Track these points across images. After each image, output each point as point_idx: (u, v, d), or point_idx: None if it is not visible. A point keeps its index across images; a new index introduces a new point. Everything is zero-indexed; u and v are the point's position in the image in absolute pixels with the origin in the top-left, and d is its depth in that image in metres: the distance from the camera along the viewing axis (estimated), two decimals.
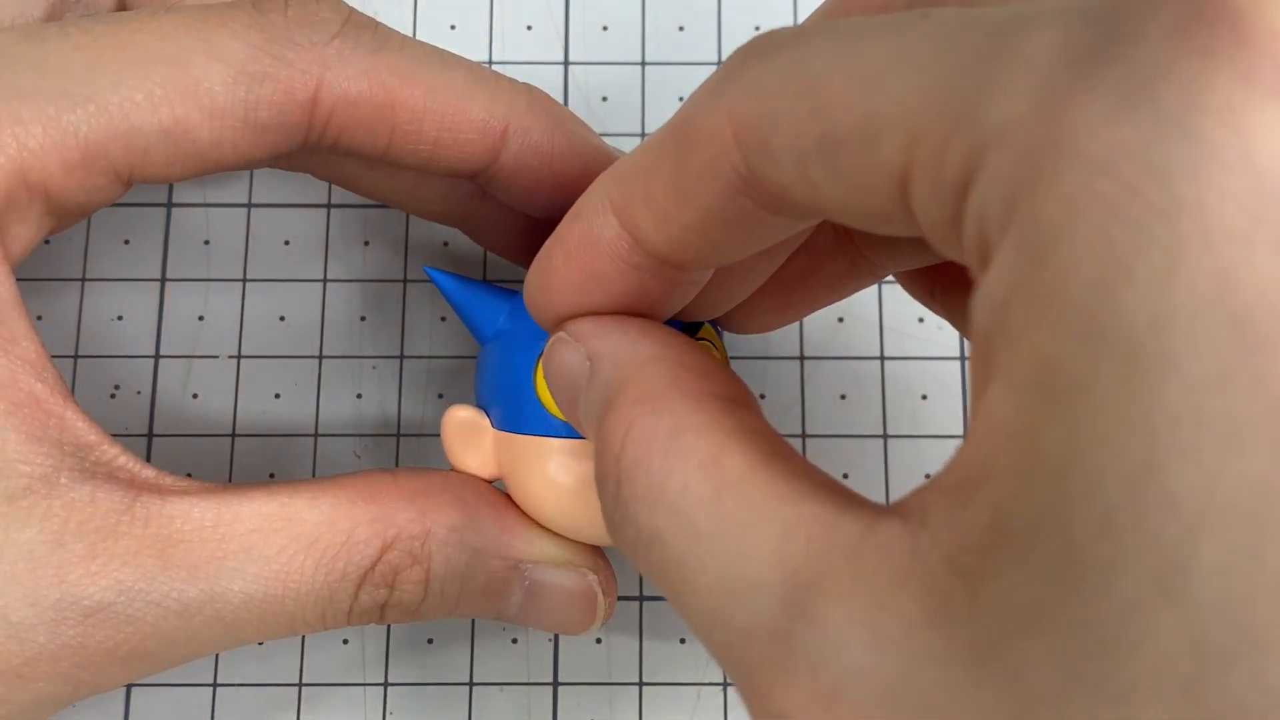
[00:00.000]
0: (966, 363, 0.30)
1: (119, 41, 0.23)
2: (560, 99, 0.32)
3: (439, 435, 0.25)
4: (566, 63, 0.33)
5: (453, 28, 0.33)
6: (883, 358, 0.30)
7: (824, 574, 0.16)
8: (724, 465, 0.18)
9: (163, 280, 0.31)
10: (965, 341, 0.30)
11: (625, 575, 0.29)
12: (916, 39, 0.16)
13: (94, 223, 0.31)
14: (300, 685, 0.28)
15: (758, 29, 0.33)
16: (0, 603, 0.21)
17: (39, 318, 0.31)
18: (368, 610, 0.23)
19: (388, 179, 0.27)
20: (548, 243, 0.21)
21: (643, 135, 0.32)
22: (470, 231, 0.28)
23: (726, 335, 0.31)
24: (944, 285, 0.24)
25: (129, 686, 0.28)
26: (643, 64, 0.33)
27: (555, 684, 0.29)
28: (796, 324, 0.31)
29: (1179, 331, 0.13)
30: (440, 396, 0.28)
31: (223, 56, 0.23)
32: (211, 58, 0.23)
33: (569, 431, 0.23)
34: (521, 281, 0.23)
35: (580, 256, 0.20)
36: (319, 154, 0.27)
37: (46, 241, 0.31)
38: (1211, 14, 0.13)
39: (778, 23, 0.33)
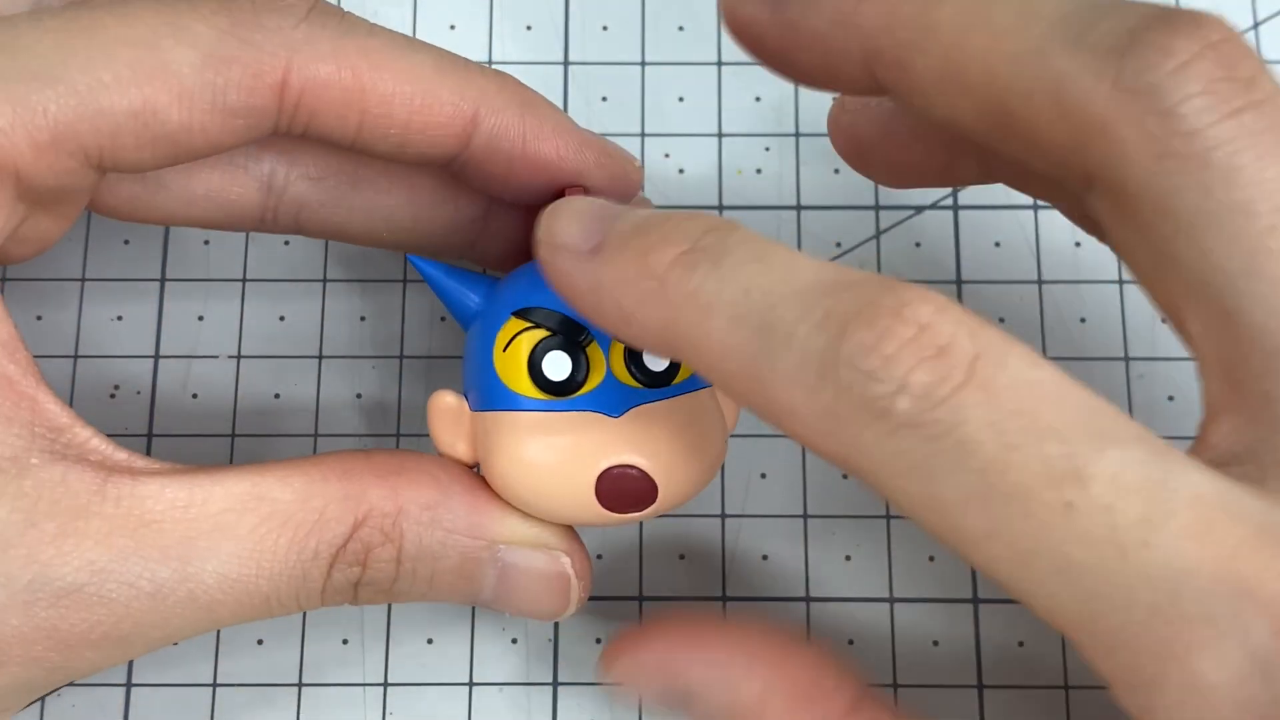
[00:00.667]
0: None
1: (88, 25, 0.23)
2: (560, 99, 0.32)
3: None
4: (566, 63, 0.33)
5: (452, 28, 0.33)
6: None
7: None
8: None
9: (163, 280, 0.31)
10: None
11: (625, 575, 0.29)
12: None
13: (94, 223, 0.31)
14: (300, 685, 0.28)
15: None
16: None
17: (39, 318, 0.31)
18: (341, 589, 0.23)
19: (385, 220, 0.27)
20: None
21: (643, 135, 0.32)
22: (478, 257, 0.28)
23: None
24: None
25: (129, 686, 0.28)
26: (643, 64, 0.33)
27: (555, 684, 0.29)
28: None
29: None
30: (440, 389, 0.28)
31: (190, 40, 0.23)
32: (179, 41, 0.23)
33: (531, 404, 0.23)
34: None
35: None
36: (302, 200, 0.27)
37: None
38: None
39: None
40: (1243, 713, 0.17)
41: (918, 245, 0.31)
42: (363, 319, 0.31)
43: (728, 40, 0.33)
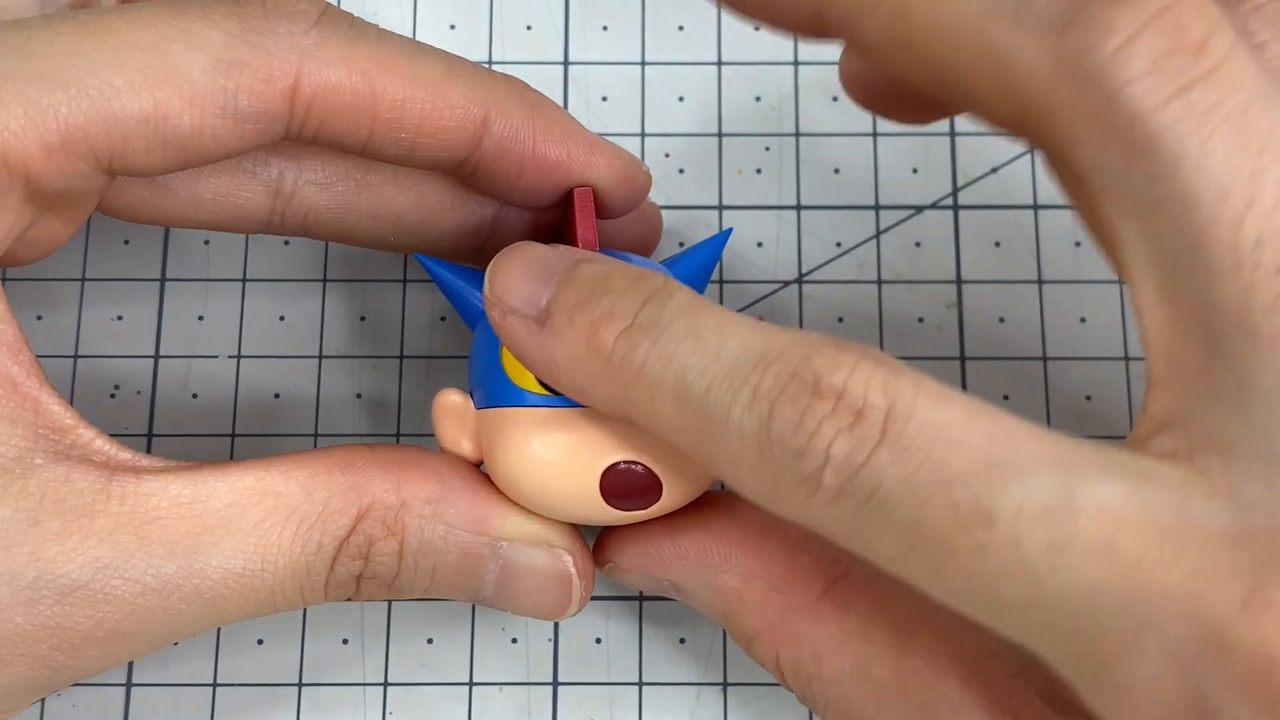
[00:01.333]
0: (966, 362, 0.30)
1: (100, 29, 0.23)
2: (560, 99, 0.32)
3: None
4: (566, 63, 0.33)
5: (453, 28, 0.33)
6: None
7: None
8: (871, 676, 0.23)
9: (163, 280, 0.31)
10: (966, 342, 0.31)
11: None
12: None
13: (94, 223, 0.31)
14: (300, 685, 0.28)
15: (758, 29, 0.33)
16: None
17: (39, 318, 0.31)
18: (344, 583, 0.23)
19: (393, 224, 0.27)
20: None
21: (643, 135, 0.32)
22: (486, 262, 0.28)
23: None
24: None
25: (129, 686, 0.28)
26: (643, 64, 0.33)
27: (555, 684, 0.29)
28: (796, 323, 0.31)
29: None
30: (446, 388, 0.28)
31: (202, 45, 0.23)
32: (190, 46, 0.23)
33: (536, 400, 0.23)
34: None
35: None
36: (311, 204, 0.27)
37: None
38: None
39: None
40: (1169, 710, 0.18)
41: (918, 245, 0.31)
42: (363, 319, 0.31)
43: (728, 40, 0.33)
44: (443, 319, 0.31)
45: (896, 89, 0.26)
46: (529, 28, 0.33)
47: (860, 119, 0.32)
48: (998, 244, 0.31)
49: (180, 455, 0.28)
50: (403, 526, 0.23)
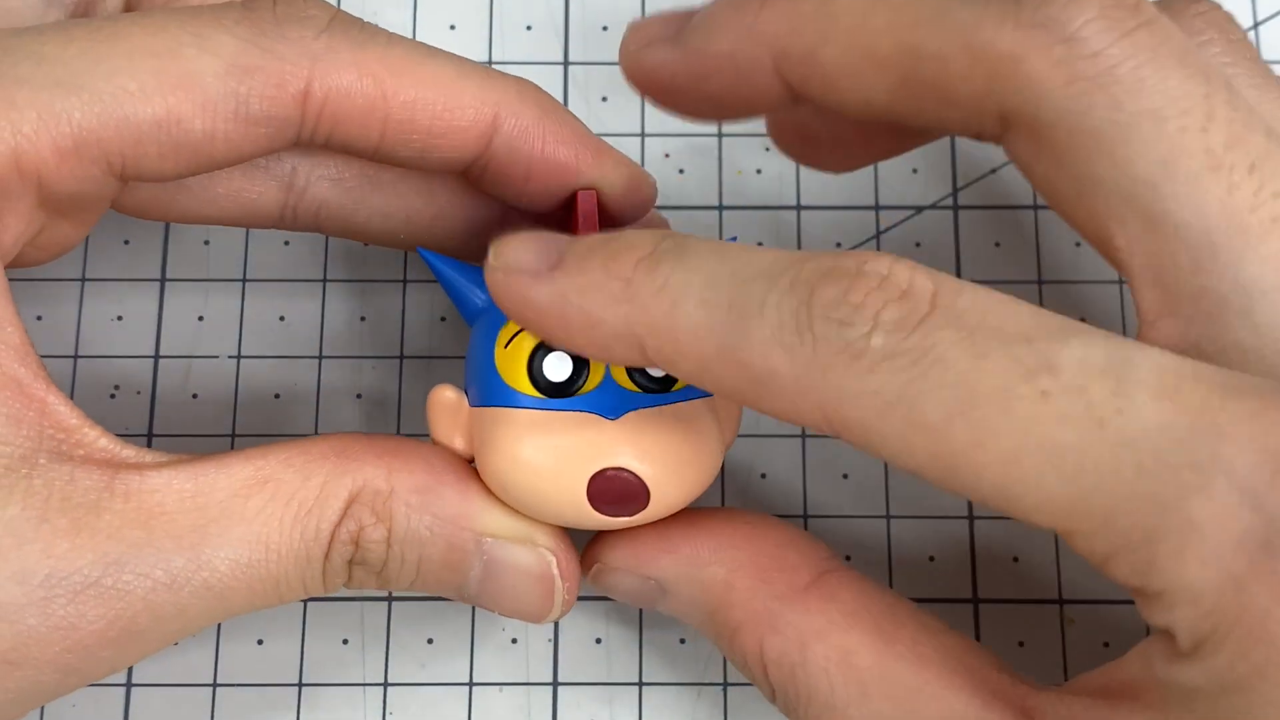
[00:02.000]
0: None
1: (112, 34, 0.23)
2: (560, 99, 0.32)
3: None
4: (566, 63, 0.33)
5: (452, 28, 0.33)
6: None
7: None
8: (855, 665, 0.23)
9: (163, 280, 0.31)
10: None
11: None
12: None
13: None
14: (300, 685, 0.28)
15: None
16: None
17: (39, 318, 0.31)
18: (338, 570, 0.23)
19: (404, 218, 0.27)
20: None
21: (643, 135, 0.32)
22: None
23: None
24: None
25: (129, 686, 0.28)
26: None
27: (555, 684, 0.29)
28: None
29: None
30: (441, 383, 0.28)
31: (214, 50, 0.23)
32: (203, 50, 0.23)
33: (529, 402, 0.23)
34: None
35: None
36: (322, 200, 0.27)
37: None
38: None
39: None
40: (1241, 542, 0.18)
41: (918, 245, 0.31)
42: (363, 319, 0.31)
43: None
44: (443, 319, 0.31)
45: (829, 132, 0.27)
46: (529, 28, 0.33)
47: None
48: (998, 244, 0.31)
49: None
50: (390, 513, 0.23)
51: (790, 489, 0.30)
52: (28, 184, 0.22)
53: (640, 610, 0.29)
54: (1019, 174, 0.32)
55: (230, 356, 0.30)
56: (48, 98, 0.22)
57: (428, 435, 0.25)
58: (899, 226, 0.31)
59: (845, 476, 0.30)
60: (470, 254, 0.28)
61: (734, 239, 0.27)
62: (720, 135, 0.32)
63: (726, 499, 0.30)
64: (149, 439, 0.30)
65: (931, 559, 0.29)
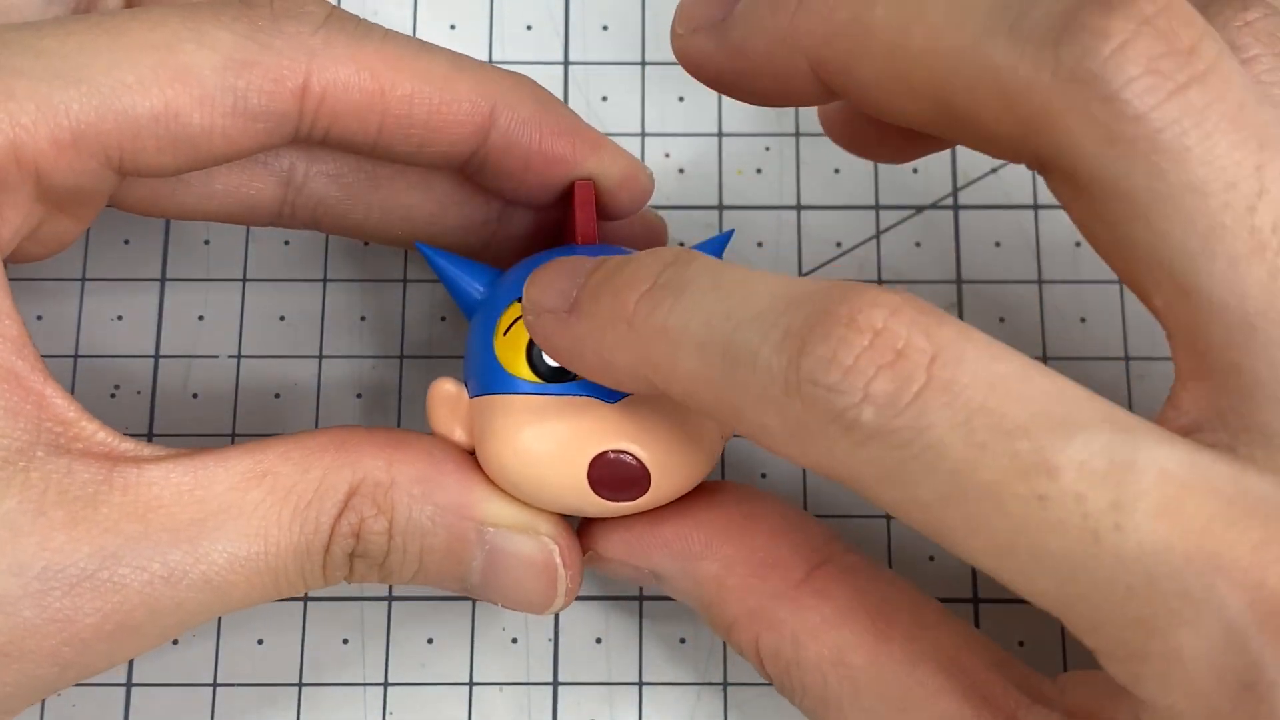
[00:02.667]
0: None
1: (110, 29, 0.23)
2: (560, 99, 0.32)
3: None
4: (566, 63, 0.33)
5: (453, 28, 0.33)
6: None
7: None
8: (848, 663, 0.22)
9: (163, 280, 0.31)
10: None
11: None
12: None
13: (94, 222, 0.31)
14: (300, 685, 0.28)
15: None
16: None
17: (39, 317, 0.31)
18: (339, 564, 0.23)
19: (403, 214, 0.27)
20: None
21: (643, 135, 0.32)
22: (491, 258, 0.28)
23: None
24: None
25: (129, 686, 0.28)
26: (643, 64, 0.33)
27: (555, 684, 0.29)
28: None
29: None
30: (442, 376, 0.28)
31: (212, 44, 0.23)
32: (201, 45, 0.23)
33: (528, 387, 0.23)
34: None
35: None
36: (320, 197, 0.27)
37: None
38: None
39: None
40: (1224, 680, 0.18)
41: (918, 245, 0.31)
42: (363, 319, 0.31)
43: None
44: (443, 318, 0.31)
45: (879, 128, 0.26)
46: (529, 28, 0.33)
47: None
48: (998, 244, 0.31)
49: None
50: (392, 504, 0.23)
51: (791, 488, 0.30)
52: (26, 176, 0.22)
53: (640, 610, 0.29)
54: (1019, 174, 0.32)
55: (230, 356, 0.30)
56: (46, 90, 0.22)
57: (428, 431, 0.25)
58: (899, 226, 0.31)
59: None
60: (469, 251, 0.28)
61: (731, 232, 0.27)
62: (720, 135, 0.32)
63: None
64: (149, 439, 0.30)
65: (931, 558, 0.29)
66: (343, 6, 0.33)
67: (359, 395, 0.30)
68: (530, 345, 0.24)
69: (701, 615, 0.25)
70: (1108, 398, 0.19)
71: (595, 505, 0.23)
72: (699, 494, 0.25)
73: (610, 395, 0.23)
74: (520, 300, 0.24)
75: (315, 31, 0.23)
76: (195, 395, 0.30)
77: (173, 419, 0.30)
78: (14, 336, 0.23)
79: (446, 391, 0.25)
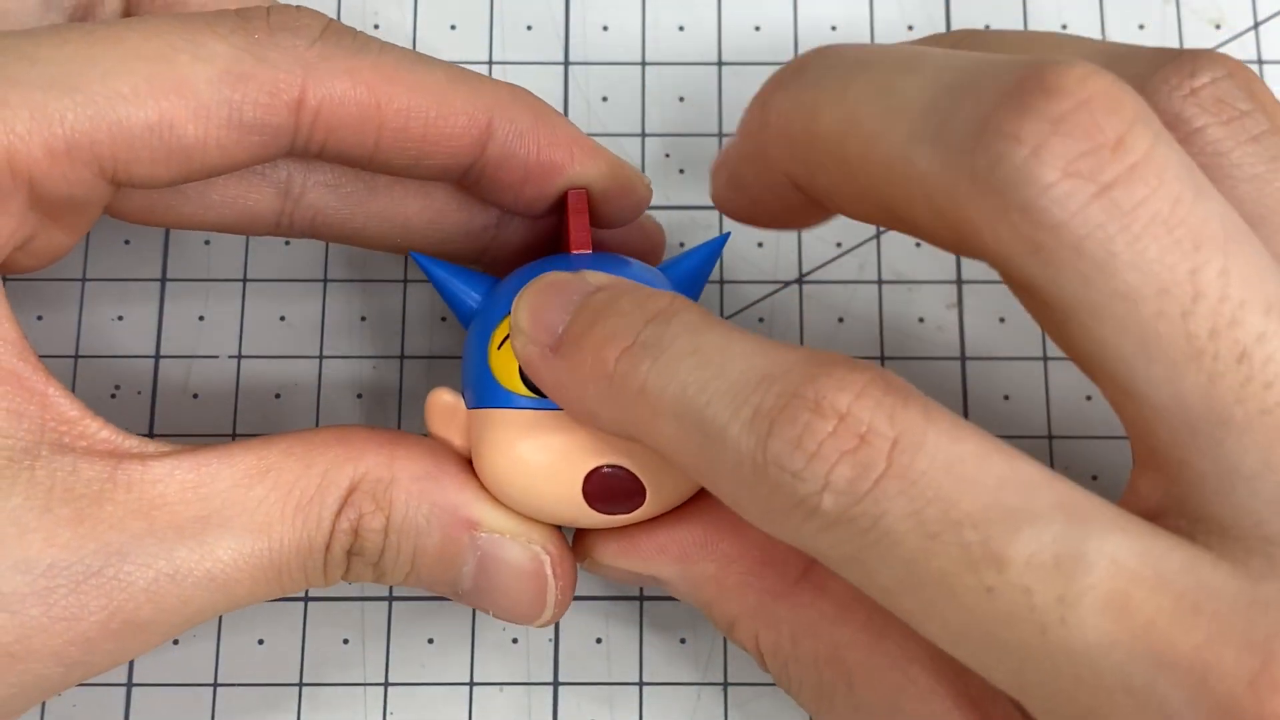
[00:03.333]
0: (967, 363, 0.30)
1: (106, 38, 0.23)
2: (560, 99, 0.32)
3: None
4: (566, 63, 0.33)
5: (453, 28, 0.33)
6: (883, 357, 0.30)
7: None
8: (844, 660, 0.23)
9: (163, 280, 0.31)
10: (966, 342, 0.31)
11: None
12: None
13: (94, 222, 0.31)
14: (300, 685, 0.28)
15: (758, 29, 0.33)
16: None
17: (39, 318, 0.31)
18: (339, 560, 0.23)
19: (401, 224, 0.27)
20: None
21: (643, 135, 0.32)
22: (488, 265, 0.28)
23: None
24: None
25: (129, 686, 0.28)
26: (643, 64, 0.33)
27: (555, 684, 0.29)
28: (796, 324, 0.31)
29: None
30: (440, 387, 0.28)
31: (208, 57, 0.23)
32: (196, 57, 0.23)
33: (524, 402, 0.24)
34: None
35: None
36: (318, 207, 0.27)
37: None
38: None
39: (778, 23, 0.33)
40: None
41: (918, 245, 0.31)
42: (363, 319, 0.31)
43: (728, 40, 0.33)
44: (443, 319, 0.31)
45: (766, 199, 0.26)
46: (529, 28, 0.33)
47: None
48: None
49: None
50: (390, 502, 0.23)
51: None
52: (19, 184, 0.22)
53: (640, 610, 0.29)
54: None
55: (231, 356, 0.31)
56: (41, 98, 0.22)
57: (427, 435, 0.25)
58: None
59: None
60: (466, 258, 0.28)
61: (728, 235, 0.27)
62: (720, 135, 0.32)
63: None
64: (149, 439, 0.30)
65: None
66: (344, 8, 0.33)
67: (359, 395, 0.30)
68: None
69: (703, 613, 0.25)
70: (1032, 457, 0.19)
71: (590, 518, 0.24)
72: (692, 496, 0.25)
73: None
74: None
75: (311, 45, 0.23)
76: (196, 395, 0.30)
77: (173, 419, 0.30)
78: (13, 339, 0.23)
79: (444, 402, 0.25)
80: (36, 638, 0.21)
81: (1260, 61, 0.32)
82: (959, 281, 0.31)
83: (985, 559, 0.18)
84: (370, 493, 0.23)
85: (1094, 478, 0.30)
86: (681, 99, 0.32)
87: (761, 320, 0.31)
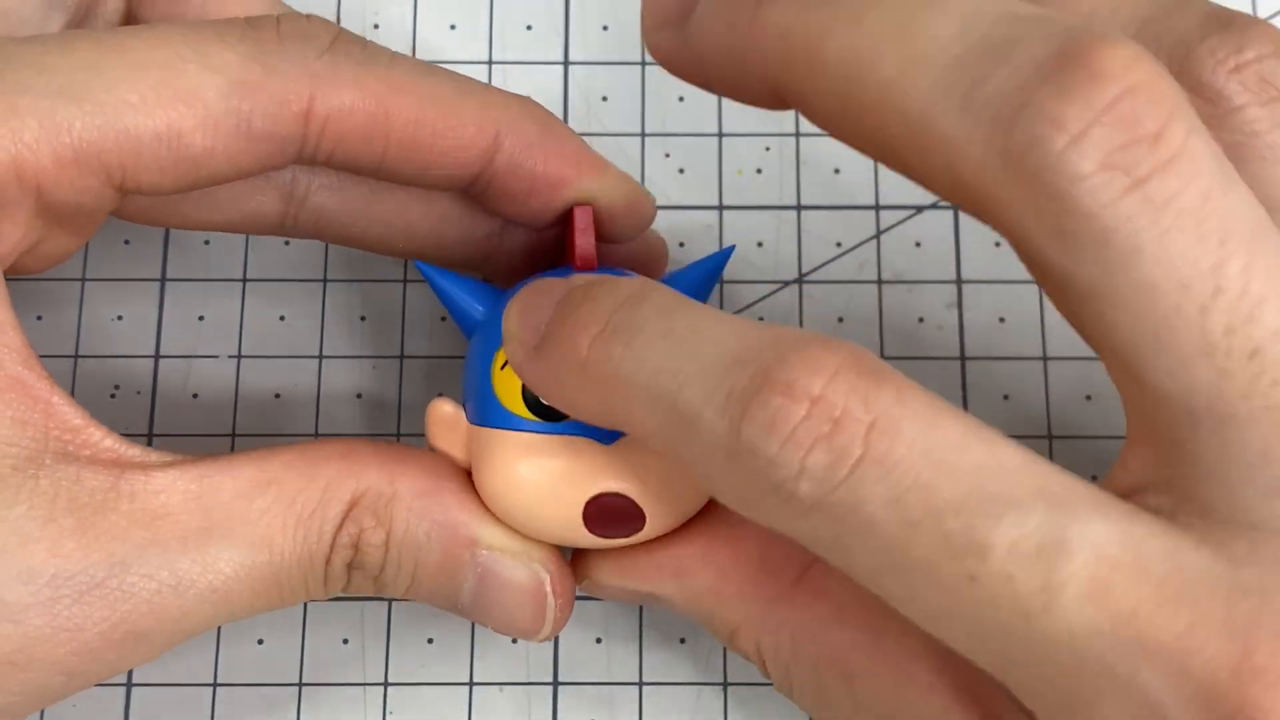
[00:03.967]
0: (966, 362, 0.30)
1: (115, 47, 0.23)
2: (560, 99, 0.32)
3: None
4: (566, 63, 0.33)
5: (453, 28, 0.33)
6: (882, 357, 0.30)
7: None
8: (843, 661, 0.23)
9: (163, 280, 0.31)
10: (966, 342, 0.31)
11: None
12: None
13: None
14: (300, 685, 0.28)
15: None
16: None
17: (39, 318, 0.31)
18: (339, 574, 0.23)
19: (404, 229, 0.27)
20: None
21: (643, 135, 0.32)
22: (491, 271, 0.28)
23: None
24: None
25: (129, 686, 0.28)
26: (643, 64, 0.33)
27: (555, 684, 0.29)
28: (796, 324, 0.31)
29: None
30: (440, 396, 0.28)
31: (216, 66, 0.23)
32: (204, 67, 0.23)
33: (525, 425, 0.23)
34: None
35: None
36: (321, 210, 0.27)
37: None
38: None
39: None
40: None
41: (918, 245, 0.31)
42: (363, 319, 0.31)
43: None
44: (443, 319, 0.31)
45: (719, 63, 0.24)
46: (529, 28, 0.33)
47: None
48: (998, 244, 0.31)
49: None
50: (390, 517, 0.23)
51: None
52: (27, 192, 0.22)
53: (640, 610, 0.29)
54: None
55: (230, 356, 0.30)
56: (49, 106, 0.22)
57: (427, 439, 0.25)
58: (899, 226, 0.31)
59: None
60: (470, 264, 0.28)
61: (731, 249, 0.27)
62: (720, 135, 0.32)
63: None
64: (149, 439, 0.30)
65: None
66: (344, 8, 0.33)
67: (359, 396, 0.30)
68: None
69: (702, 624, 0.25)
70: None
71: (589, 541, 0.24)
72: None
73: (605, 436, 0.23)
74: None
75: (320, 55, 0.23)
76: (195, 395, 0.30)
77: (173, 419, 0.30)
78: (18, 347, 0.23)
79: (444, 413, 0.25)
80: (39, 647, 0.21)
81: None
82: (959, 281, 0.31)
83: (967, 547, 0.18)
84: (371, 507, 0.23)
85: (1093, 478, 0.29)
86: (681, 99, 0.32)
87: (761, 320, 0.31)
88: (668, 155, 0.32)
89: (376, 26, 0.32)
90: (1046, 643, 0.18)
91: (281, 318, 0.31)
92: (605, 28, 0.33)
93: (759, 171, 0.32)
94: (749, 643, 0.24)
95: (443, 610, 0.25)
